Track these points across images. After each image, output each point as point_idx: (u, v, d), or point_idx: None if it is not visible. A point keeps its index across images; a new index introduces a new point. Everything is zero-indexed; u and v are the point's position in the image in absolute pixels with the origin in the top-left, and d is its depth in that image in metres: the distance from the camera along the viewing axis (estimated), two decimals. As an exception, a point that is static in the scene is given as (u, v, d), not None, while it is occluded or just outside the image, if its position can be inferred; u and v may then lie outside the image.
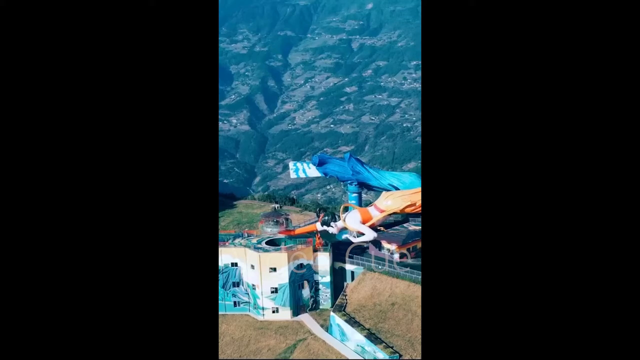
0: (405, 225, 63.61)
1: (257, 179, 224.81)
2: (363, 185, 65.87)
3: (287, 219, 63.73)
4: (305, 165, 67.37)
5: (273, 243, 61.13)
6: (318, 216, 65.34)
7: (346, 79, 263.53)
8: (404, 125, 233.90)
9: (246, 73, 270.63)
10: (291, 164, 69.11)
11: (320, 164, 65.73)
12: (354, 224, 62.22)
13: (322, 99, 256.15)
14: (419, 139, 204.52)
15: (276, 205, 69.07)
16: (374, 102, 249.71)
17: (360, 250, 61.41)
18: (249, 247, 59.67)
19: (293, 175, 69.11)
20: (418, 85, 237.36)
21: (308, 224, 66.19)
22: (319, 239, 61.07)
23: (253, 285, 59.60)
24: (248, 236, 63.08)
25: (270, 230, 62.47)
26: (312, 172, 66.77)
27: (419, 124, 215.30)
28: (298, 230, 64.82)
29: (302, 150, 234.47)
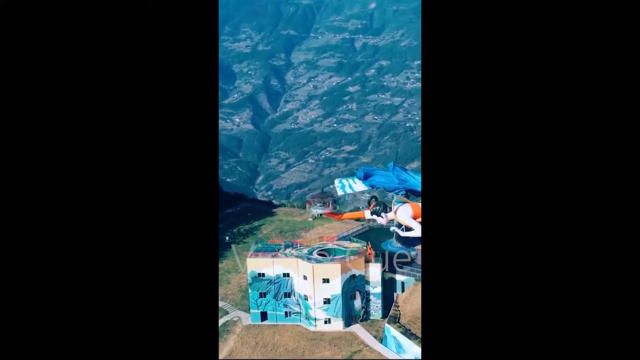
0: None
1: (260, 178, 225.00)
2: (410, 192, 65.60)
3: (334, 201, 63.63)
4: (350, 180, 66.58)
5: (323, 253, 61.40)
6: (369, 205, 65.29)
7: (349, 79, 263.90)
8: (407, 124, 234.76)
9: (249, 72, 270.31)
10: (337, 182, 67.54)
11: (365, 178, 65.32)
12: (405, 217, 61.58)
13: (325, 98, 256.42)
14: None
15: (323, 187, 68.66)
16: (377, 101, 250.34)
17: (410, 261, 61.74)
18: (301, 257, 59.87)
19: (340, 192, 65.73)
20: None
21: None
22: (370, 249, 61.38)
23: (305, 295, 59.82)
24: (299, 246, 63.25)
25: (317, 212, 62.60)
26: (359, 186, 65.88)
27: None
28: (345, 215, 64.69)
29: (305, 150, 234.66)
